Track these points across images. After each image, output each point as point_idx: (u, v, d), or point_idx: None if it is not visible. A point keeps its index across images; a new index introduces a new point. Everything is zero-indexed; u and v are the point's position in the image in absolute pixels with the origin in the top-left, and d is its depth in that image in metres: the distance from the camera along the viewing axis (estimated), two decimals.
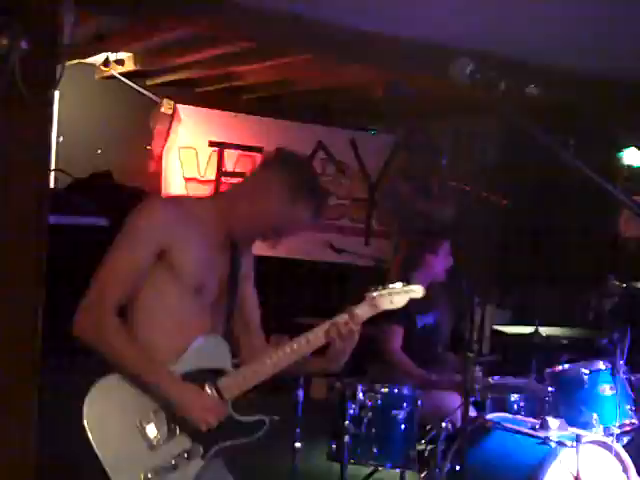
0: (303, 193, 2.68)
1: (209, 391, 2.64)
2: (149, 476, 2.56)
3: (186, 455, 2.61)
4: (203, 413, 2.60)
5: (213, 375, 2.67)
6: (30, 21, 2.74)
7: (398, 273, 4.77)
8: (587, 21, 4.98)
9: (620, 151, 7.05)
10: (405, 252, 4.83)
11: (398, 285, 2.82)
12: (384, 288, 2.81)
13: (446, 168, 7.11)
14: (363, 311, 2.78)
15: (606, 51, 5.71)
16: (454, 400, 4.24)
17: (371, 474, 4.55)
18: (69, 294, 3.28)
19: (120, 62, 6.80)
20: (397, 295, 2.82)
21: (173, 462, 2.59)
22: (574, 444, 3.77)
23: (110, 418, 2.57)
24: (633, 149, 7.03)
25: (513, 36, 5.48)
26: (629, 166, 7.08)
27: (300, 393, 4.15)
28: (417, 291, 2.85)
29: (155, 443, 2.58)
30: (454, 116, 7.94)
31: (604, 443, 3.92)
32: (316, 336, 2.73)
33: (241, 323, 2.87)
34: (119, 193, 4.70)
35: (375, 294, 2.80)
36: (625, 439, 4.32)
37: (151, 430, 2.58)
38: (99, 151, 7.20)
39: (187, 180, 7.43)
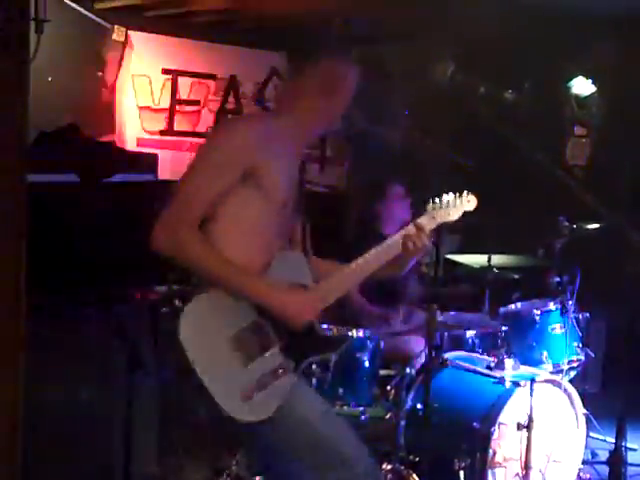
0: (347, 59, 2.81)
1: None
2: (247, 391, 2.55)
3: (280, 370, 2.61)
4: (298, 308, 2.63)
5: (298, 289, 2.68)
6: None
7: (359, 228, 4.89)
8: None
9: (569, 81, 7.20)
10: (359, 208, 4.93)
11: (451, 197, 3.01)
12: (441, 201, 3.01)
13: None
14: (426, 222, 2.95)
15: None
16: (416, 343, 4.45)
17: None
18: (41, 250, 3.30)
19: None
20: (453, 208, 3.02)
21: (268, 377, 2.59)
22: (528, 384, 3.98)
23: (205, 335, 2.54)
24: (581, 78, 7.19)
25: None
26: (577, 95, 7.25)
27: None
28: (471, 202, 3.05)
29: (250, 359, 2.57)
30: (406, 38, 7.89)
31: (554, 381, 4.18)
32: (396, 244, 2.86)
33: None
34: (88, 147, 4.68)
35: (434, 207, 2.99)
36: (572, 373, 4.62)
37: (245, 346, 2.57)
38: (50, 79, 7.04)
39: (141, 109, 7.36)
